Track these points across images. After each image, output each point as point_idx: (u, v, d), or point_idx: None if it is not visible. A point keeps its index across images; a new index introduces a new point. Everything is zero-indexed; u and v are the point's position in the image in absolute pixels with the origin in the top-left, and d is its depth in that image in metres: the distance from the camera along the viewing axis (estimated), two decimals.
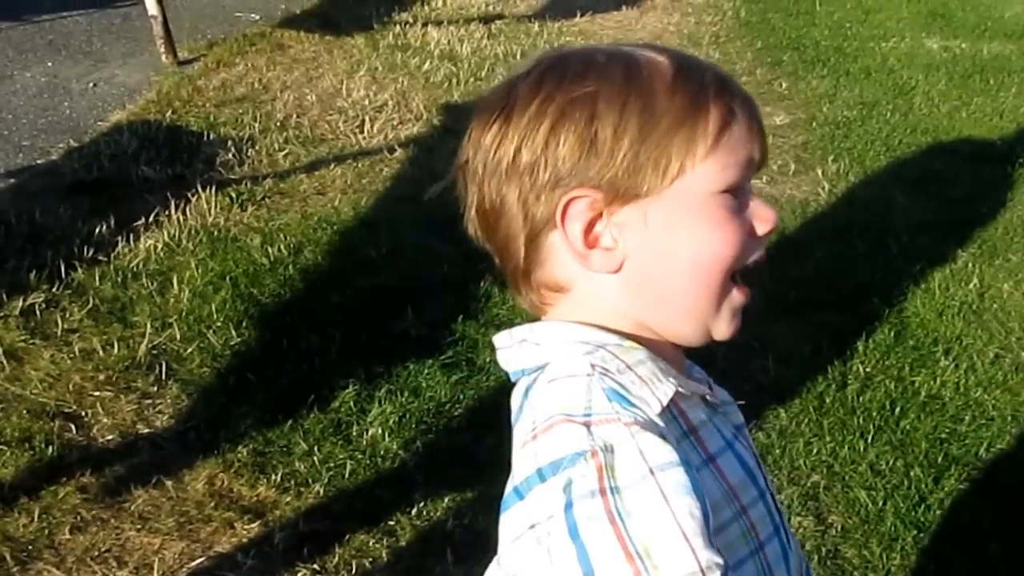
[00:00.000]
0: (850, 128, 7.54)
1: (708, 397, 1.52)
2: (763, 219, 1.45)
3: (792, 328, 4.98)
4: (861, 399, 4.54)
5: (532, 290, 1.50)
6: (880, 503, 3.98)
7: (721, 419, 1.52)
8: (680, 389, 1.40)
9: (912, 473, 4.12)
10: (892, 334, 4.98)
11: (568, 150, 1.38)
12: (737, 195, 1.42)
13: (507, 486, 1.36)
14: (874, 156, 7.04)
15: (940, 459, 4.21)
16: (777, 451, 4.22)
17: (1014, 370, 4.80)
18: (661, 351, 1.46)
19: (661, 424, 1.32)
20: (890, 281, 5.42)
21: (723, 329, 1.47)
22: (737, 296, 1.46)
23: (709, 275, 1.42)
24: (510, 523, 1.33)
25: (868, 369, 4.73)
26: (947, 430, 4.39)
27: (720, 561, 1.21)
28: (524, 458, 1.34)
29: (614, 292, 1.44)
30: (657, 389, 1.36)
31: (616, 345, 1.41)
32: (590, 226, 1.40)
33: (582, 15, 10.03)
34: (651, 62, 1.42)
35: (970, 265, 5.66)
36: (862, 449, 4.26)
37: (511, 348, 1.50)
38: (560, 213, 1.40)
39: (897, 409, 4.48)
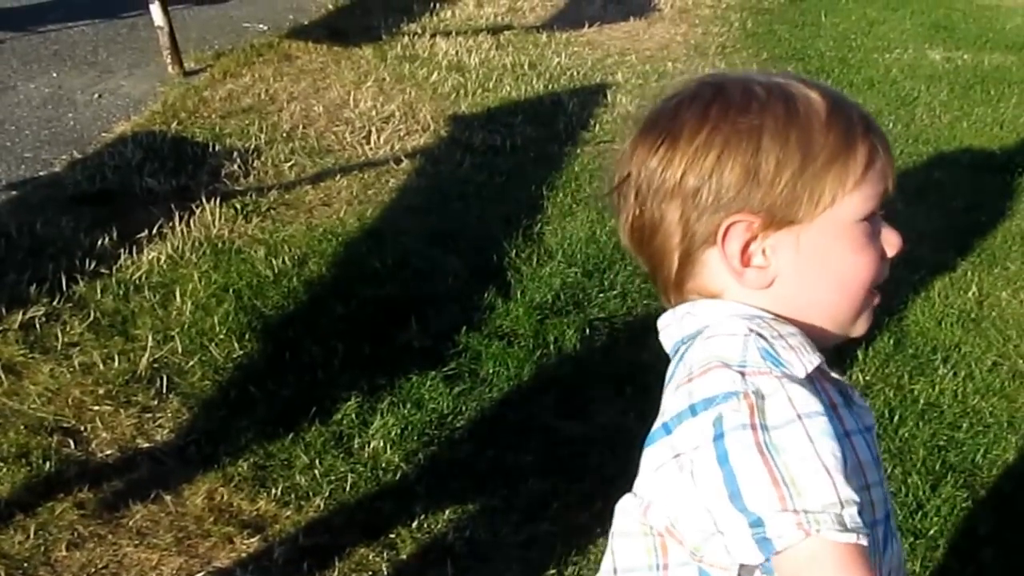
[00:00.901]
0: None
1: (848, 391, 1.66)
2: (892, 244, 1.65)
3: None
4: None
5: (683, 298, 1.66)
6: None
7: (857, 413, 1.66)
8: (823, 367, 1.54)
9: (910, 480, 4.14)
10: (891, 342, 5.01)
11: (734, 178, 1.54)
12: (872, 222, 1.60)
13: (655, 427, 1.51)
14: None
15: (938, 466, 4.23)
16: None
17: (1011, 378, 4.84)
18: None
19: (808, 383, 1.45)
20: (890, 289, 5.32)
21: (860, 329, 1.67)
22: (873, 302, 1.66)
23: (853, 292, 1.62)
24: (654, 454, 1.50)
25: (868, 377, 4.76)
26: (945, 437, 4.41)
27: (857, 499, 1.34)
28: (678, 397, 1.47)
29: (764, 304, 1.59)
30: (803, 357, 1.49)
31: (772, 318, 1.57)
32: (746, 246, 1.56)
33: (590, 26, 10.02)
34: (807, 98, 1.57)
35: (969, 274, 5.72)
36: None
37: (673, 324, 1.66)
38: (721, 234, 1.56)
39: (896, 417, 4.50)
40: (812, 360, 1.50)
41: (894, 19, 10.91)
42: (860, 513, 1.34)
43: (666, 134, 1.58)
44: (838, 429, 1.45)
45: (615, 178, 1.66)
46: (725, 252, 1.57)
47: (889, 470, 4.18)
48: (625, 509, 1.65)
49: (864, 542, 1.32)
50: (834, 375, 1.61)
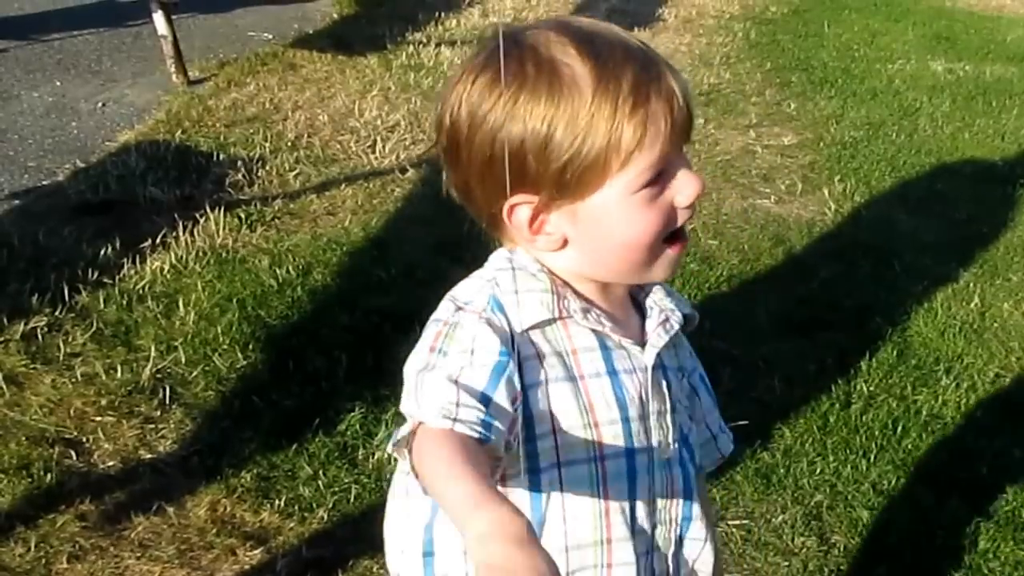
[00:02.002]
0: (856, 149, 7.61)
1: (613, 340, 1.79)
2: (685, 194, 1.70)
3: (797, 347, 5.00)
4: (864, 418, 4.57)
5: (501, 241, 1.83)
6: (882, 522, 4.00)
7: (621, 355, 1.81)
8: (583, 316, 1.74)
9: (914, 492, 4.15)
10: (895, 353, 5.02)
11: (507, 162, 1.63)
12: (658, 179, 1.68)
13: None
14: (879, 176, 7.11)
15: (942, 479, 4.24)
16: (781, 470, 4.24)
17: (1015, 390, 4.85)
18: (600, 299, 1.81)
19: (519, 339, 1.68)
20: (893, 300, 5.49)
21: (659, 276, 1.80)
22: (671, 252, 1.76)
23: (635, 252, 1.73)
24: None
25: (871, 388, 4.76)
26: (949, 449, 4.42)
27: (480, 408, 1.54)
28: None
29: (560, 260, 1.76)
30: (524, 314, 1.70)
31: (528, 272, 1.75)
32: (535, 216, 1.71)
33: None
34: (573, 78, 1.62)
35: (971, 285, 5.74)
36: (865, 468, 4.29)
37: None
38: (506, 212, 1.71)
39: (899, 428, 4.51)
40: (530, 318, 1.71)
41: (896, 30, 10.97)
42: (491, 420, 1.54)
43: (457, 103, 1.70)
44: (563, 374, 1.73)
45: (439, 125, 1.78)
46: (513, 225, 1.73)
47: (893, 482, 4.22)
48: None
49: (463, 431, 1.51)
50: (589, 324, 1.76)
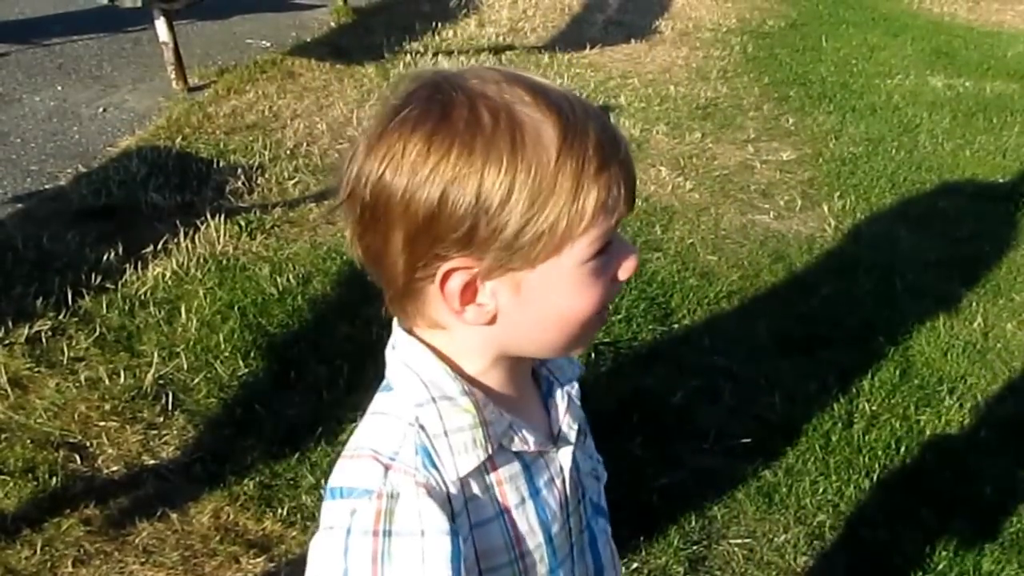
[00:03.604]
0: (856, 165, 7.60)
1: (529, 451, 1.64)
2: (626, 268, 1.55)
3: (798, 366, 4.98)
4: (867, 437, 4.55)
5: (408, 318, 1.57)
6: (886, 543, 3.99)
7: (539, 466, 1.68)
8: (503, 442, 1.58)
9: (917, 513, 4.13)
10: (897, 373, 5.00)
11: (453, 222, 1.42)
12: (604, 251, 1.50)
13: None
14: (879, 193, 7.11)
15: (946, 499, 4.22)
16: (784, 490, 4.22)
17: (1018, 410, 4.82)
18: (510, 383, 1.63)
19: (452, 489, 1.52)
20: (895, 319, 5.46)
21: (579, 351, 1.66)
22: (597, 324, 1.58)
23: (572, 328, 1.55)
24: (322, 514, 1.53)
25: (874, 408, 4.74)
26: (952, 470, 4.40)
27: None
28: (336, 470, 1.53)
29: (484, 335, 1.54)
30: (459, 461, 1.53)
31: (450, 401, 1.55)
32: (466, 287, 1.48)
33: (592, 48, 10.04)
34: (537, 131, 1.42)
35: (974, 304, 5.73)
36: (868, 488, 4.27)
37: (388, 350, 1.62)
38: (440, 278, 1.47)
39: (902, 448, 4.50)
40: (469, 463, 1.54)
41: (895, 45, 10.97)
42: None
43: (392, 155, 1.44)
44: (491, 512, 1.59)
45: (343, 185, 1.52)
46: (444, 294, 1.49)
47: (896, 502, 4.21)
48: None
49: None
50: (514, 448, 1.61)
